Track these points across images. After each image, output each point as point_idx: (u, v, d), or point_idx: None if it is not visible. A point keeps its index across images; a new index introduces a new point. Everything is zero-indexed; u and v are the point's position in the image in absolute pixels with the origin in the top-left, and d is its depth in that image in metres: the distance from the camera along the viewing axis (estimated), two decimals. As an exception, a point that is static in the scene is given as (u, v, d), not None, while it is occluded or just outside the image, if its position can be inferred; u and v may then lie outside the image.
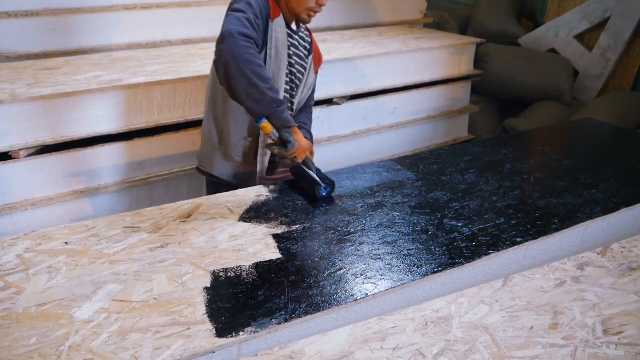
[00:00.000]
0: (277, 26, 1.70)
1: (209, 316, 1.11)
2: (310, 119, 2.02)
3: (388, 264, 1.32)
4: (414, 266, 1.32)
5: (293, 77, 1.84)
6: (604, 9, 3.79)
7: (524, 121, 3.68)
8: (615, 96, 3.59)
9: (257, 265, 1.30)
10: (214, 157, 1.89)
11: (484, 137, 3.66)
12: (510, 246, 1.41)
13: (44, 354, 1.00)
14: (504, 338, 1.09)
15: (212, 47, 2.85)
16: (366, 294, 1.21)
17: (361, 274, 1.28)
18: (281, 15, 1.72)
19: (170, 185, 2.51)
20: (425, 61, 3.20)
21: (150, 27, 2.91)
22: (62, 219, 2.23)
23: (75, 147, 2.22)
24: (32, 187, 2.18)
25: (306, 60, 1.88)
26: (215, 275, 1.25)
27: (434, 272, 1.30)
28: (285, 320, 1.11)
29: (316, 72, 1.99)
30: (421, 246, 1.41)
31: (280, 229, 1.48)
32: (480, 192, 1.73)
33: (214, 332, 1.07)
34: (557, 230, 1.49)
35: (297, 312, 1.14)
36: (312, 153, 1.70)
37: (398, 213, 1.58)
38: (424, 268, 1.31)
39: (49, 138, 2.16)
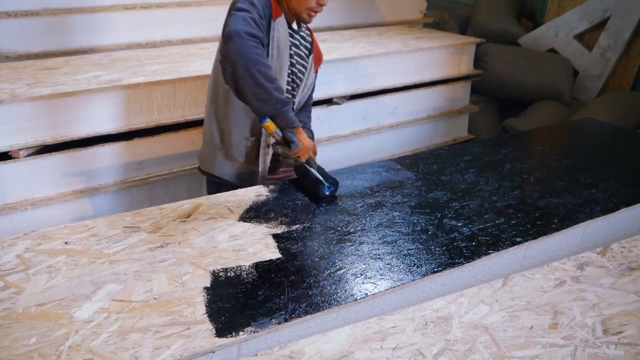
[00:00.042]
0: (279, 26, 1.70)
1: (209, 316, 1.11)
2: (309, 117, 2.04)
3: (388, 264, 1.32)
4: (414, 266, 1.32)
5: (294, 77, 1.84)
6: (604, 9, 3.79)
7: (524, 121, 3.68)
8: (615, 96, 3.59)
9: (257, 265, 1.30)
10: (215, 157, 1.89)
11: (484, 137, 3.66)
12: (510, 246, 1.41)
13: (44, 354, 1.00)
14: (504, 338, 1.09)
15: (212, 47, 2.88)
16: (366, 294, 1.21)
17: (361, 274, 1.28)
18: (283, 15, 1.72)
19: (170, 185, 2.51)
20: (425, 61, 3.20)
21: (150, 27, 2.91)
22: (62, 219, 2.23)
23: (75, 147, 2.22)
24: (32, 187, 2.18)
25: (307, 59, 1.88)
26: (215, 275, 1.25)
27: (434, 272, 1.30)
28: (285, 320, 1.11)
29: (316, 72, 1.99)
30: (421, 246, 1.41)
31: (280, 229, 1.48)
32: (480, 192, 1.73)
33: (214, 332, 1.07)
34: (557, 230, 1.49)
35: (297, 312, 1.14)
36: (315, 153, 1.71)
37: (398, 213, 1.58)
38: (424, 268, 1.31)
39: (49, 138, 2.16)
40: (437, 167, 1.93)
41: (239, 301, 1.17)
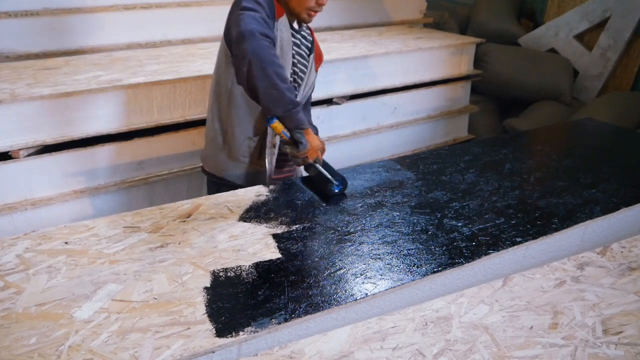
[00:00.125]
0: (282, 26, 1.71)
1: (209, 316, 1.11)
2: (310, 115, 2.06)
3: (388, 264, 1.32)
4: (414, 266, 1.32)
5: (296, 77, 1.84)
6: (604, 9, 3.79)
7: (524, 121, 3.68)
8: (615, 96, 3.59)
9: (257, 265, 1.30)
10: (218, 157, 1.89)
11: (484, 137, 3.66)
12: (510, 246, 1.41)
13: (44, 354, 1.00)
14: (504, 338, 1.09)
15: (212, 47, 2.88)
16: (366, 294, 1.21)
17: (361, 274, 1.28)
18: (285, 15, 1.72)
19: (170, 185, 2.51)
20: (425, 61, 3.20)
21: (150, 27, 2.91)
22: (62, 219, 2.23)
23: (75, 147, 2.22)
24: (32, 187, 2.18)
25: (308, 59, 1.89)
26: (215, 275, 1.25)
27: (434, 272, 1.30)
28: (285, 320, 1.11)
29: (317, 71, 1.99)
30: (421, 246, 1.41)
31: (280, 229, 1.48)
32: (480, 192, 1.73)
33: (214, 332, 1.07)
34: (557, 230, 1.49)
35: (297, 312, 1.14)
36: (323, 151, 1.71)
37: (398, 213, 1.58)
38: (424, 268, 1.31)
39: (49, 138, 2.16)
40: (437, 167, 1.93)
41: (239, 301, 1.17)
